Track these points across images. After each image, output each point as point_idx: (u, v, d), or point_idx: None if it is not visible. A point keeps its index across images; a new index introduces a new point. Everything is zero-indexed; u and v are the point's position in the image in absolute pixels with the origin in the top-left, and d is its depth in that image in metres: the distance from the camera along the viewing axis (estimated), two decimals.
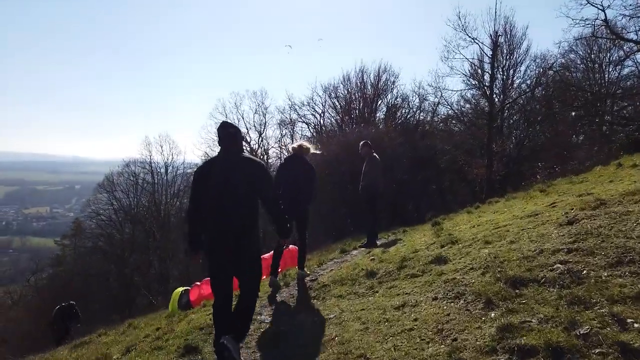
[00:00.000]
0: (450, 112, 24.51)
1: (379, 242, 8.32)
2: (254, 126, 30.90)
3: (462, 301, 3.80)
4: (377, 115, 26.89)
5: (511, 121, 23.18)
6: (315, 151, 6.43)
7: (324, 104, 28.44)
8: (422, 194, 22.31)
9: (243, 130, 30.57)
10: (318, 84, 49.81)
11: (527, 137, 22.31)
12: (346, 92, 26.88)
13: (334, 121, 28.79)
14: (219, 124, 3.91)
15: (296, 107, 29.38)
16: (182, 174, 30.97)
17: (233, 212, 3.60)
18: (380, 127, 23.82)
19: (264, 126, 30.95)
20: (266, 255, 6.73)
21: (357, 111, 27.04)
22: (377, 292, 4.82)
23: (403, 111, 25.71)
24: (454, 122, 24.81)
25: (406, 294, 4.44)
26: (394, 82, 25.68)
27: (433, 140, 22.56)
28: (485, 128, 20.87)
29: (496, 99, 21.21)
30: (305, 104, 28.98)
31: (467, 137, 22.43)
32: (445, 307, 3.80)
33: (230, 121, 4.21)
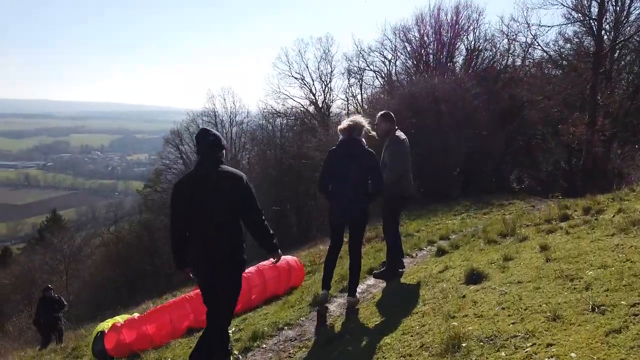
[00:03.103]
0: (544, 54, 20.33)
1: (408, 263, 5.75)
2: (319, 76, 28.64)
3: None
4: (455, 60, 23.37)
5: (622, 63, 18.62)
6: (368, 128, 4.47)
7: (394, 49, 25.36)
8: (504, 154, 19.05)
9: (308, 81, 28.59)
10: (388, 26, 45.79)
11: None
12: (419, 34, 23.51)
13: (406, 69, 25.70)
14: (198, 131, 3.64)
15: (364, 53, 26.59)
16: (247, 128, 30.00)
17: (217, 237, 3.43)
18: (460, 74, 20.50)
19: (330, 76, 28.58)
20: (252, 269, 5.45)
21: (431, 56, 23.69)
22: None
23: (486, 54, 21.92)
24: (549, 66, 20.61)
25: None
26: (477, 20, 21.87)
27: (520, 89, 18.85)
28: (588, 74, 16.79)
29: (605, 37, 16.85)
30: (374, 49, 26.10)
31: (565, 87, 18.39)
32: None
33: (208, 128, 3.72)
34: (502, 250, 4.76)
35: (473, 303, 3.36)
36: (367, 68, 27.32)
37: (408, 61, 25.17)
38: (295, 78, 28.50)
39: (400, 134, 5.09)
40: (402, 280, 4.95)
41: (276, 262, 3.82)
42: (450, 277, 4.22)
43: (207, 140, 3.48)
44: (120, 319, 5.72)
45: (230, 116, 29.94)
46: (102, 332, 5.31)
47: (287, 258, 6.14)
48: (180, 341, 4.86)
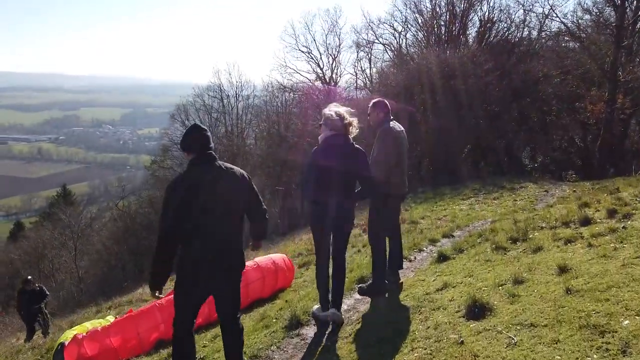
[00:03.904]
0: (561, 26, 19.31)
1: (406, 268, 5.10)
2: (327, 49, 27.79)
3: None
4: (468, 33, 22.40)
5: None
6: (354, 122, 3.82)
7: (404, 21, 24.39)
8: (517, 131, 18.35)
9: (315, 54, 27.79)
10: None
11: None
12: (431, 5, 22.50)
13: (417, 41, 24.78)
14: (190, 127, 3.31)
15: (373, 25, 25.66)
16: (252, 103, 29.41)
17: (226, 242, 3.16)
18: (472, 47, 19.63)
19: (338, 49, 27.71)
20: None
21: (443, 28, 22.73)
22: None
23: (500, 26, 20.90)
24: (566, 38, 19.60)
25: None
26: None
27: (535, 63, 17.99)
28: (609, 48, 15.88)
29: (628, 8, 15.84)
30: (384, 21, 25.15)
31: (583, 61, 17.47)
32: None
33: (200, 124, 3.41)
34: (512, 267, 4.00)
35: (473, 358, 2.67)
36: (376, 41, 26.44)
37: (419, 33, 24.30)
38: (302, 51, 27.76)
39: (394, 125, 4.34)
40: (394, 296, 4.21)
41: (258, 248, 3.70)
42: (448, 303, 3.56)
43: (203, 137, 3.13)
44: (89, 325, 5.35)
45: (236, 91, 29.31)
46: (62, 345, 4.81)
47: (273, 257, 5.63)
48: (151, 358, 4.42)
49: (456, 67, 15.55)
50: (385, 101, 4.44)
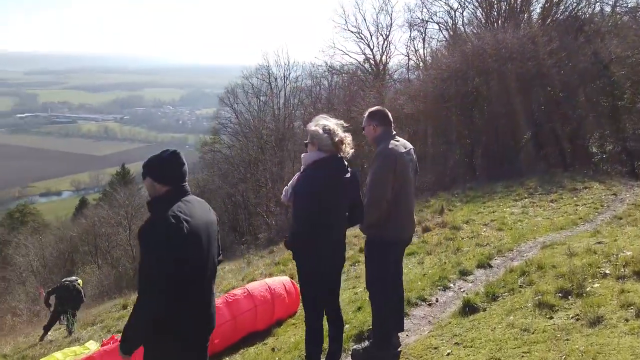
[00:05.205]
0: None
1: (421, 317, 4.17)
2: (377, 29, 26.59)
3: None
4: (532, 9, 20.53)
5: None
6: (347, 139, 3.08)
7: None
8: (583, 119, 16.62)
9: (365, 34, 26.66)
10: None
11: None
12: None
13: (474, 19, 23.09)
14: (168, 154, 2.58)
15: (427, 3, 24.16)
16: (301, 85, 28.93)
17: (210, 294, 2.63)
18: (535, 26, 17.92)
19: (389, 28, 26.43)
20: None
21: (504, 4, 20.96)
22: None
23: (569, 1, 18.89)
24: None
25: None
26: None
27: (607, 42, 16.09)
28: None
29: None
30: None
31: None
32: None
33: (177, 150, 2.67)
34: (556, 354, 2.85)
35: None
36: (430, 20, 24.91)
37: (477, 10, 22.55)
38: (352, 32, 26.70)
39: (396, 144, 3.33)
40: None
41: None
42: None
43: (182, 168, 2.59)
44: (60, 355, 4.93)
45: (284, 73, 28.90)
46: None
47: (270, 282, 4.89)
48: None
49: (514, 49, 14.14)
50: (385, 111, 3.49)
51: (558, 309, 3.54)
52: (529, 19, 19.92)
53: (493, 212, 8.61)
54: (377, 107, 3.61)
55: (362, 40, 26.53)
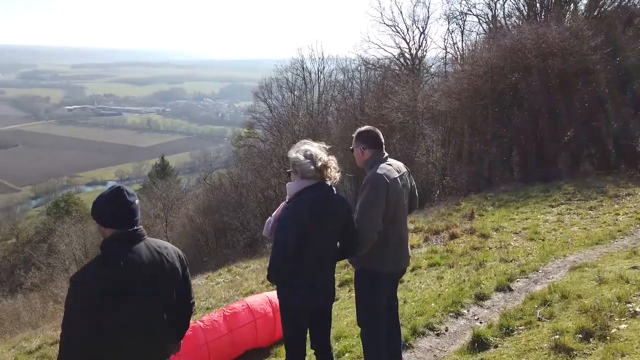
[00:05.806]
0: None
1: (427, 349, 3.86)
2: (414, 22, 25.94)
3: None
4: (578, 0, 19.42)
5: None
6: (331, 163, 2.83)
7: None
8: (630, 117, 15.61)
9: (401, 28, 26.05)
10: None
11: None
12: None
13: (516, 11, 22.10)
14: (107, 192, 2.26)
15: None
16: (335, 79, 28.68)
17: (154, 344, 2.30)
18: (580, 18, 16.95)
19: (426, 21, 25.74)
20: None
21: None
22: None
23: None
24: None
25: None
26: None
27: None
28: None
29: None
30: None
31: None
32: None
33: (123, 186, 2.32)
34: None
35: None
36: (469, 12, 24.06)
37: (518, 2, 21.57)
38: (387, 25, 26.16)
39: (387, 167, 3.04)
40: None
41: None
42: None
43: (125, 208, 2.21)
44: None
45: (318, 67, 28.73)
46: None
47: (271, 296, 4.59)
48: None
49: (555, 44, 13.38)
50: (376, 132, 3.16)
51: (576, 355, 3.14)
52: (575, 10, 18.88)
53: (526, 219, 8.16)
54: (367, 127, 3.29)
55: (397, 34, 25.96)
